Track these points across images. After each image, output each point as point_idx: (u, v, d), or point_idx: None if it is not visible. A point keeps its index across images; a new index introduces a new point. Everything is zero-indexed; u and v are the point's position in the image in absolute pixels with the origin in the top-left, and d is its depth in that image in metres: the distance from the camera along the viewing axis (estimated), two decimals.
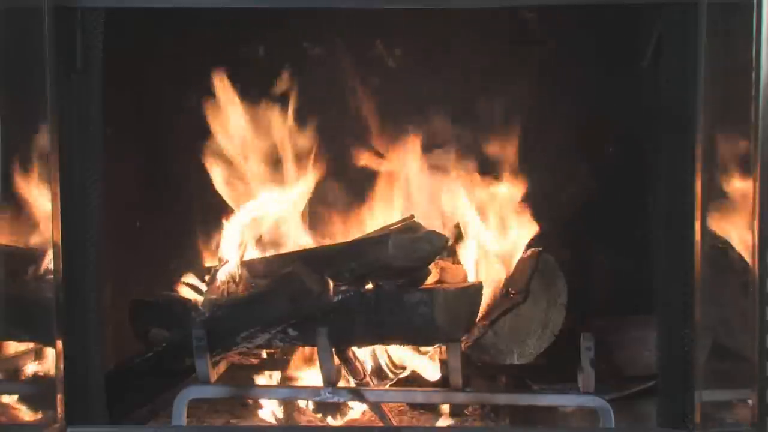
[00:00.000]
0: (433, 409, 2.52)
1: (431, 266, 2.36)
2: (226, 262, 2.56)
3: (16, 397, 2.34)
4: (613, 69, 2.55)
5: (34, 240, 2.29)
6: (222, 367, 2.42)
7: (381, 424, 2.36)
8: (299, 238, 2.62)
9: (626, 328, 2.47)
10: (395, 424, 2.38)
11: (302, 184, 2.66)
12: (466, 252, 2.49)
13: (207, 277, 2.54)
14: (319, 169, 2.70)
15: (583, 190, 2.70)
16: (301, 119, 2.72)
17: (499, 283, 2.47)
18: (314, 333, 2.25)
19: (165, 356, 2.35)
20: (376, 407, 2.37)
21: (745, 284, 1.99)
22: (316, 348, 2.27)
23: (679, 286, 2.10)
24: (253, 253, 2.57)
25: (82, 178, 2.14)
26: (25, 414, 2.32)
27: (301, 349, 2.50)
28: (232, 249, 2.60)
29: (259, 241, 2.61)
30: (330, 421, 2.47)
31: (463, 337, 2.31)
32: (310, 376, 2.51)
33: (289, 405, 2.50)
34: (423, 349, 2.41)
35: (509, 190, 2.56)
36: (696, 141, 2.06)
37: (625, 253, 2.64)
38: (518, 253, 2.50)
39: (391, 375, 2.42)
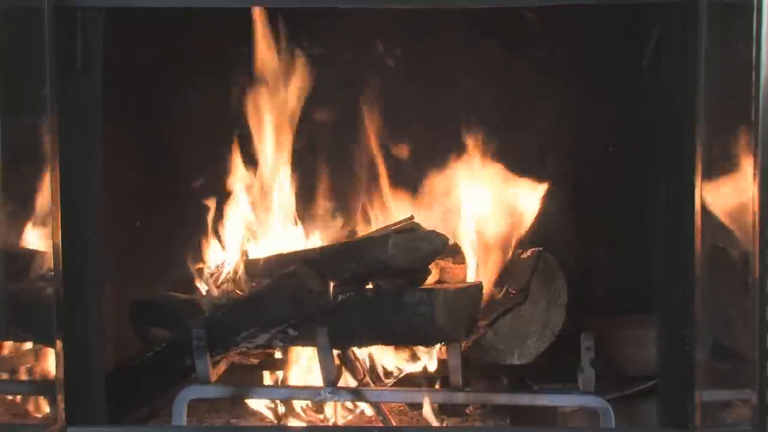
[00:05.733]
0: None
1: (431, 266, 2.36)
2: (227, 261, 2.56)
3: (16, 397, 2.35)
4: (613, 68, 2.55)
5: (34, 239, 2.29)
6: (222, 367, 2.42)
7: (381, 424, 2.36)
8: (299, 238, 2.63)
9: (626, 328, 2.47)
10: (395, 424, 2.38)
11: (303, 184, 2.67)
12: (465, 252, 2.49)
13: (207, 277, 2.54)
14: (322, 167, 2.71)
15: (583, 190, 2.70)
16: (303, 119, 2.72)
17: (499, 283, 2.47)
18: (314, 333, 2.25)
19: (165, 356, 2.35)
20: (376, 407, 2.37)
21: (745, 284, 1.99)
22: (316, 348, 2.27)
23: (679, 286, 2.10)
24: (254, 253, 2.57)
25: (82, 178, 2.14)
26: (25, 414, 2.33)
27: (300, 348, 2.50)
28: (233, 249, 2.60)
29: (260, 241, 2.62)
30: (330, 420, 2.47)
31: (463, 337, 2.31)
32: (310, 375, 2.51)
33: (289, 404, 2.50)
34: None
35: (508, 190, 2.56)
36: (696, 140, 2.06)
37: (625, 252, 2.64)
38: (517, 253, 2.49)
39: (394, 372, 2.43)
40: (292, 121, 2.68)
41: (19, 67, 2.13)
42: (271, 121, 2.66)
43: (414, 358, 2.42)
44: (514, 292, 2.39)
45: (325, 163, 2.74)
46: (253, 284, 2.45)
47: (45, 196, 2.13)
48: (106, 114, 2.16)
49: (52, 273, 2.11)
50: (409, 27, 2.67)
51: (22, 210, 2.25)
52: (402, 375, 2.43)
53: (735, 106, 2.04)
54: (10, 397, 2.33)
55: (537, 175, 2.55)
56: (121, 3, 2.15)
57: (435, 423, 2.32)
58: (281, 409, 2.48)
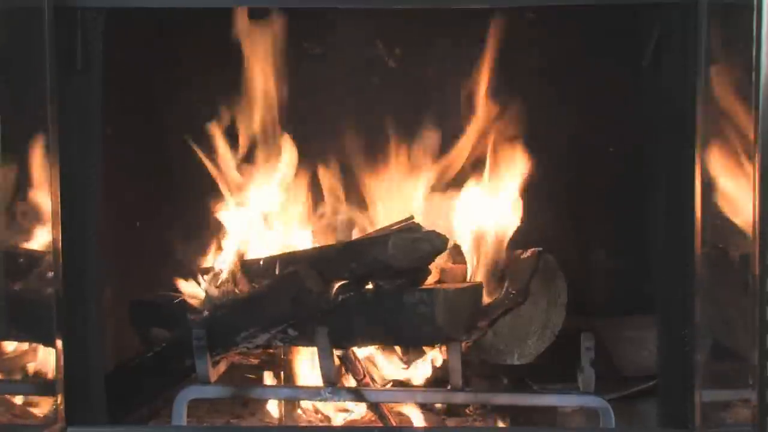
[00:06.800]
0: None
1: (431, 266, 2.36)
2: (227, 261, 2.56)
3: (16, 397, 2.34)
4: (613, 69, 2.55)
5: (34, 240, 2.30)
6: (222, 367, 2.42)
7: (381, 424, 2.36)
8: (299, 238, 2.63)
9: (626, 328, 2.47)
10: (395, 424, 2.38)
11: (302, 185, 2.67)
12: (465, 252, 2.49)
13: (207, 277, 2.54)
14: (320, 167, 2.71)
15: (583, 190, 2.70)
16: (303, 119, 2.72)
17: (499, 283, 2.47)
18: (314, 333, 2.25)
19: (165, 356, 2.35)
20: (376, 407, 2.37)
21: (745, 284, 1.99)
22: (315, 348, 2.27)
23: (679, 286, 2.10)
24: (254, 253, 2.57)
25: (82, 178, 2.14)
26: (25, 414, 2.33)
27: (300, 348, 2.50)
28: (233, 249, 2.60)
29: (259, 241, 2.62)
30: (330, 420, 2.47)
31: (463, 337, 2.31)
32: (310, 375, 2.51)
33: (289, 404, 2.50)
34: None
35: (508, 190, 2.56)
36: (696, 140, 2.06)
37: (625, 252, 2.64)
38: (517, 253, 2.49)
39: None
40: (293, 119, 2.68)
41: (19, 67, 2.13)
42: (271, 120, 2.66)
43: (415, 358, 2.42)
44: (514, 292, 2.39)
45: (327, 162, 2.74)
46: (254, 284, 2.44)
47: (45, 197, 2.13)
48: (106, 114, 2.16)
49: (52, 273, 2.11)
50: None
51: (22, 210, 2.25)
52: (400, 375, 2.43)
53: (735, 106, 2.04)
54: (10, 397, 2.33)
55: (537, 175, 2.55)
56: (121, 3, 2.15)
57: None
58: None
